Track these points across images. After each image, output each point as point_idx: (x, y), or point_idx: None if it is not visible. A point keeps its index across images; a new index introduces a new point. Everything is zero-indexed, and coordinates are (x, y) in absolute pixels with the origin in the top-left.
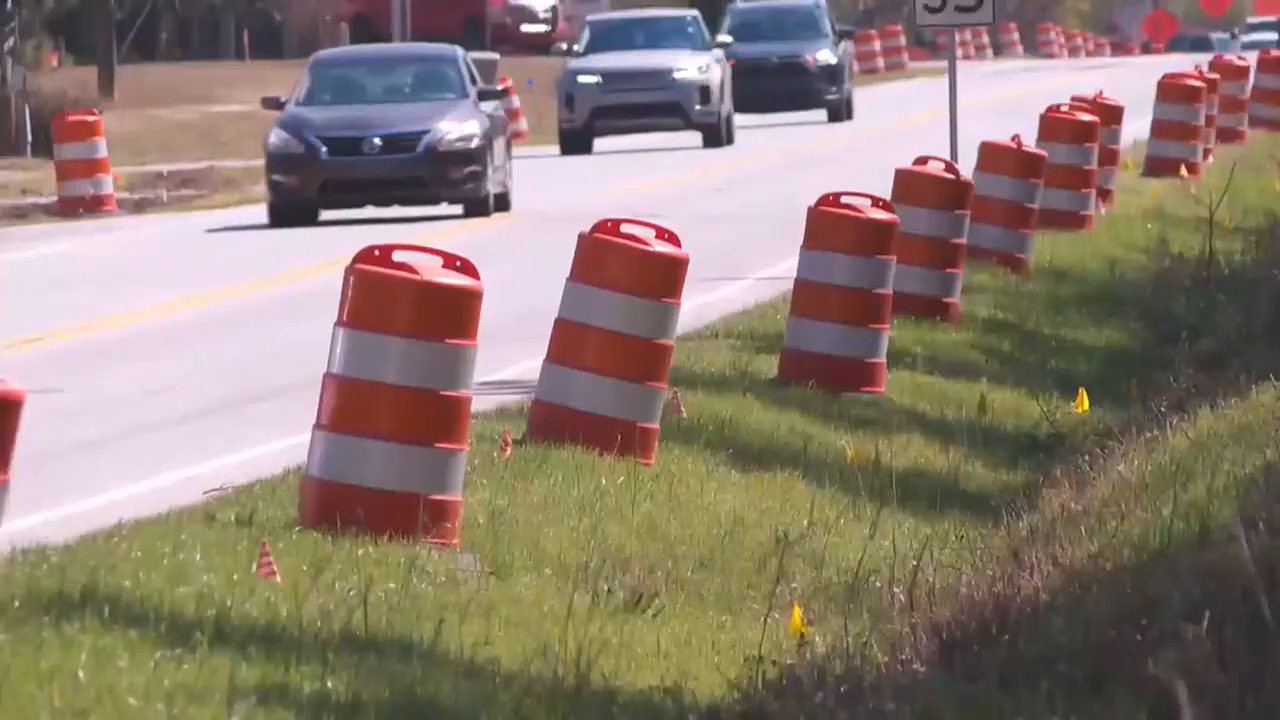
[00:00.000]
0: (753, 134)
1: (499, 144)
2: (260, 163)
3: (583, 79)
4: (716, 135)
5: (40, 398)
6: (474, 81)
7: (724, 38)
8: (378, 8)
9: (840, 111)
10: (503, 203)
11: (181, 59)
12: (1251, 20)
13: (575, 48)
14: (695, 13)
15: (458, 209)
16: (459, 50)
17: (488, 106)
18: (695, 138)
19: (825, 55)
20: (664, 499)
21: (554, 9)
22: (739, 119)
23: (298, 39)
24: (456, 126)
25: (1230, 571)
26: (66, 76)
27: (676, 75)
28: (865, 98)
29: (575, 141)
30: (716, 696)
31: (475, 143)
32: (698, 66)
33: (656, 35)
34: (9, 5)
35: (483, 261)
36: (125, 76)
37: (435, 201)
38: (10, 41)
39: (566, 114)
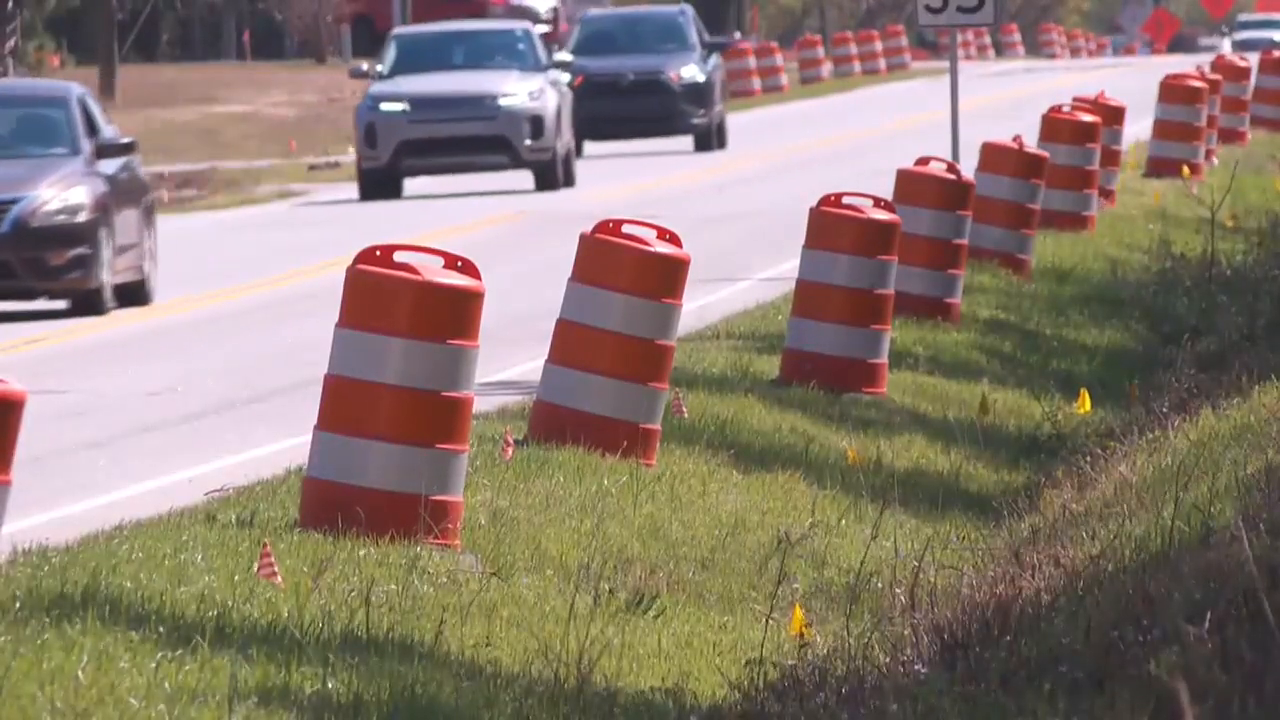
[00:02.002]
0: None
1: (126, 217)
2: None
3: (386, 107)
4: (551, 175)
5: (41, 398)
6: (93, 132)
7: (563, 55)
8: (378, 8)
9: (709, 138)
10: (135, 295)
11: (182, 60)
12: (1244, 18)
13: (379, 67)
14: (528, 25)
15: (62, 303)
16: (74, 89)
17: (110, 166)
18: (526, 178)
19: (691, 71)
20: (665, 500)
21: (555, 9)
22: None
23: (298, 40)
24: (58, 194)
25: (1232, 572)
26: (68, 77)
27: (502, 102)
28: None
29: (379, 184)
30: (718, 697)
31: (83, 216)
32: (529, 91)
33: (479, 52)
34: (10, 6)
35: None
36: (126, 77)
37: (29, 296)
38: (12, 42)
39: (367, 150)
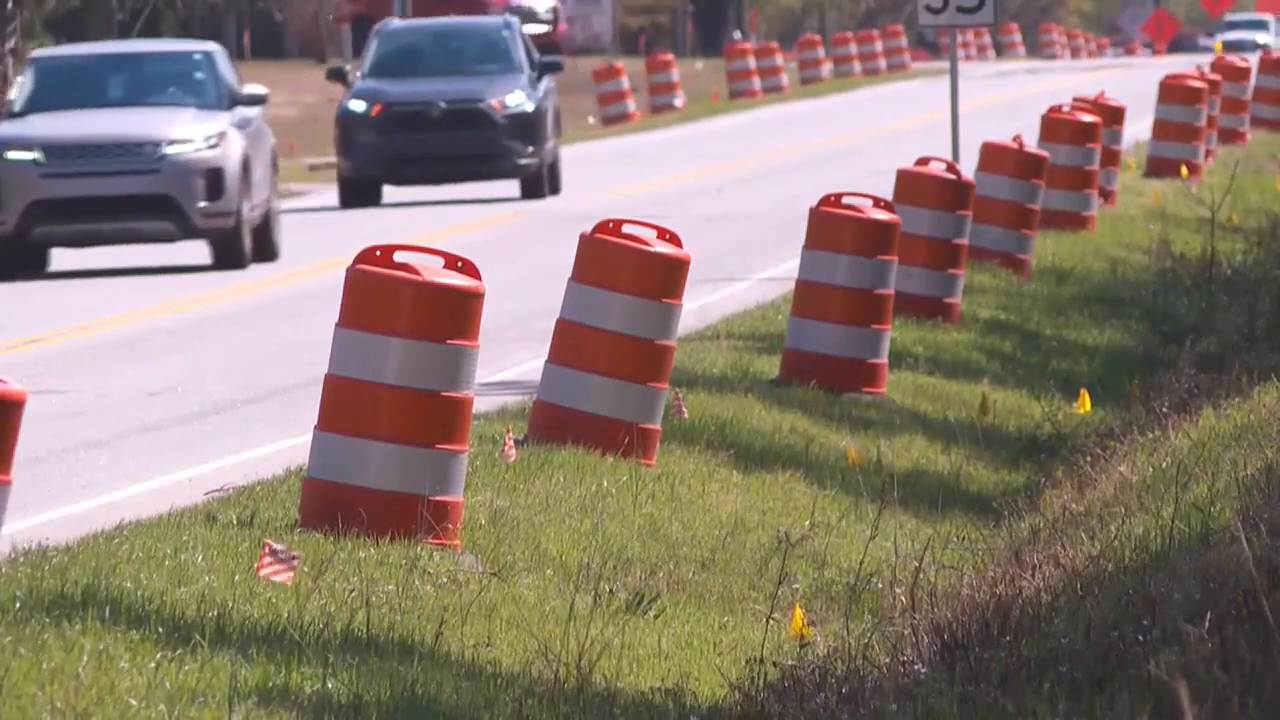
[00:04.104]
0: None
1: (259, 166)
2: None
3: (12, 155)
4: (235, 252)
5: (41, 398)
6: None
7: (255, 89)
8: (378, 8)
9: (539, 183)
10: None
11: None
12: (1232, 18)
13: (11, 102)
14: (212, 47)
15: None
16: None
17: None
18: (202, 250)
19: (517, 99)
20: (665, 500)
21: (555, 9)
22: (391, 192)
23: (298, 40)
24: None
25: (1232, 572)
26: None
27: (168, 151)
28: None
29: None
30: (718, 698)
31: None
32: (206, 136)
33: (142, 83)
34: (10, 5)
35: None
36: None
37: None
38: (12, 42)
39: None
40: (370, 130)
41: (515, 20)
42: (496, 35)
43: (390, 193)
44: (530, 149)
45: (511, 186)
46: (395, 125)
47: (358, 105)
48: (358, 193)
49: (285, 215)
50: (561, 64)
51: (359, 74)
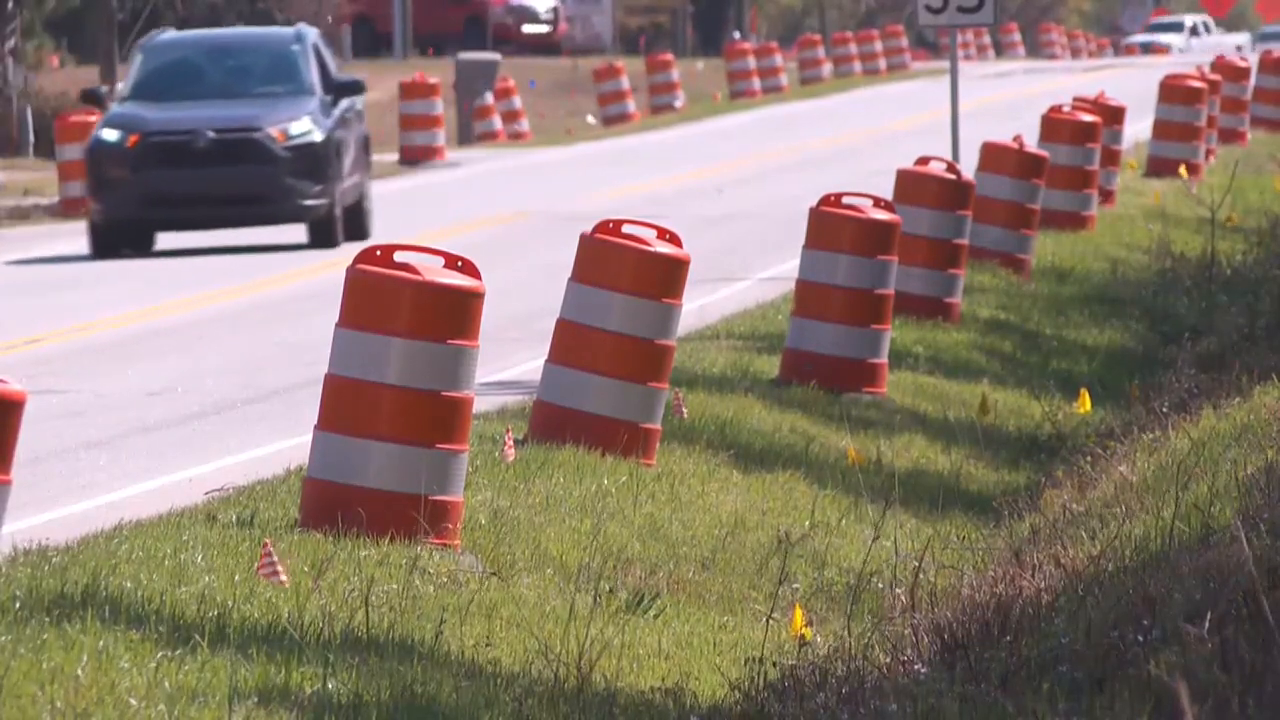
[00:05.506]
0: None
1: (353, 151)
2: None
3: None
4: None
5: (40, 398)
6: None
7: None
8: (378, 9)
9: (331, 229)
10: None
11: None
12: (1156, 20)
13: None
14: (310, 32)
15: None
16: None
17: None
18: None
19: (303, 127)
20: (666, 499)
21: (555, 9)
22: (168, 239)
23: None
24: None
25: (1232, 572)
26: (68, 77)
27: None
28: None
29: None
30: (718, 697)
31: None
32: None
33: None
34: (10, 6)
35: None
36: None
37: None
38: (12, 42)
39: None
40: (125, 165)
41: (310, 31)
42: (284, 50)
43: (168, 237)
44: (318, 187)
45: (300, 231)
46: (154, 159)
47: (110, 135)
48: (113, 240)
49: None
50: (364, 85)
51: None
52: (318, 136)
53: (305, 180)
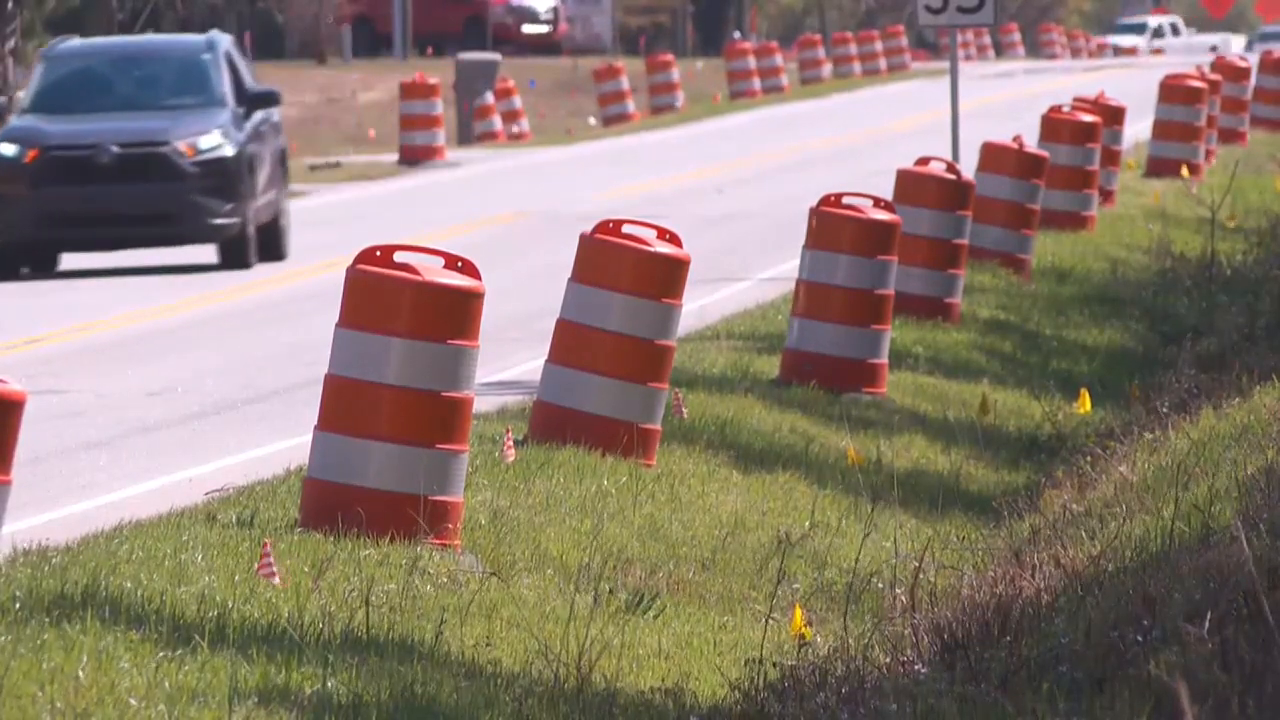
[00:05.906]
0: None
1: (268, 165)
2: None
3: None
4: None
5: (40, 398)
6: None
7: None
8: (378, 9)
9: (243, 249)
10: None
11: None
12: (1123, 20)
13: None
14: (223, 39)
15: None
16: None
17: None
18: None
19: (213, 141)
20: (665, 500)
21: (555, 9)
22: (74, 258)
23: (298, 41)
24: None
25: (1232, 572)
26: None
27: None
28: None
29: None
30: (718, 697)
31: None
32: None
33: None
34: (10, 6)
35: None
36: None
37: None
38: (12, 42)
39: None
40: (23, 181)
41: (223, 39)
42: (194, 59)
43: (73, 258)
44: (229, 205)
45: (210, 251)
46: (53, 175)
47: (8, 149)
48: (11, 261)
49: None
50: (279, 96)
51: (19, 108)
52: (229, 151)
53: (215, 198)
